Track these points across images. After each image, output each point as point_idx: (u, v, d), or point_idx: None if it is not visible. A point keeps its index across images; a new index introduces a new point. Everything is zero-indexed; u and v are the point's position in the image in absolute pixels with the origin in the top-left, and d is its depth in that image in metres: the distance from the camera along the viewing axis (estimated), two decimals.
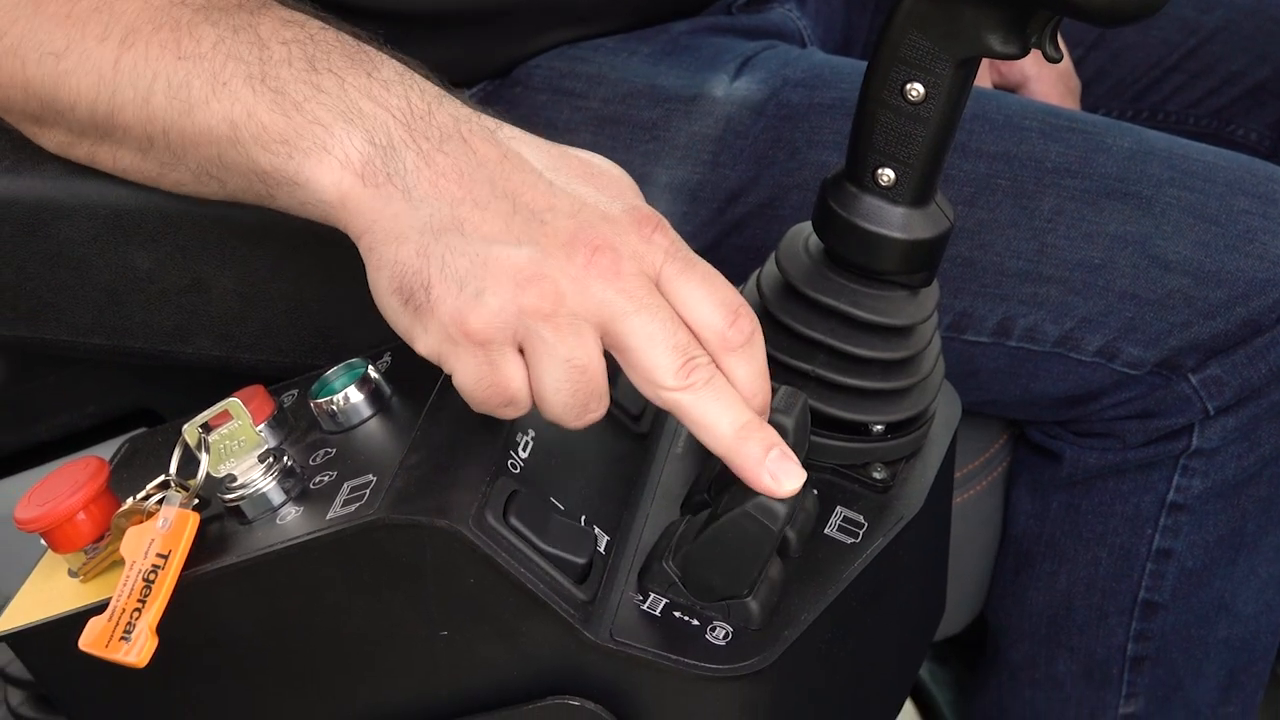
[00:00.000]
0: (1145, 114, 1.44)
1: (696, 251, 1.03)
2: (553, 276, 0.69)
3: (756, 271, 0.85)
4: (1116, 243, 1.05)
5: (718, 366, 0.71)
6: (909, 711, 1.73)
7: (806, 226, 0.84)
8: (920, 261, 0.81)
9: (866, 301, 0.81)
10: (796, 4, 1.29)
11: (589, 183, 0.74)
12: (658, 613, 0.73)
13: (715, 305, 0.71)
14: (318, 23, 0.79)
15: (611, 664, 0.72)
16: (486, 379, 0.70)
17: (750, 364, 0.72)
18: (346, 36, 0.79)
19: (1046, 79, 1.36)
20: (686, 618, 0.73)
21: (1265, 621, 1.17)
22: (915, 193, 0.79)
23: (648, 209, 0.73)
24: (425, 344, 0.71)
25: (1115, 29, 1.34)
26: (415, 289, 0.70)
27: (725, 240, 1.12)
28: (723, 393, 0.70)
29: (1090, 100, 1.44)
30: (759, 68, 1.14)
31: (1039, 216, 1.06)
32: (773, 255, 0.84)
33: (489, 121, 0.75)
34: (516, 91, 1.14)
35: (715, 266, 0.97)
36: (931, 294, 0.84)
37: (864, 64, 0.78)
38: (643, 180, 1.11)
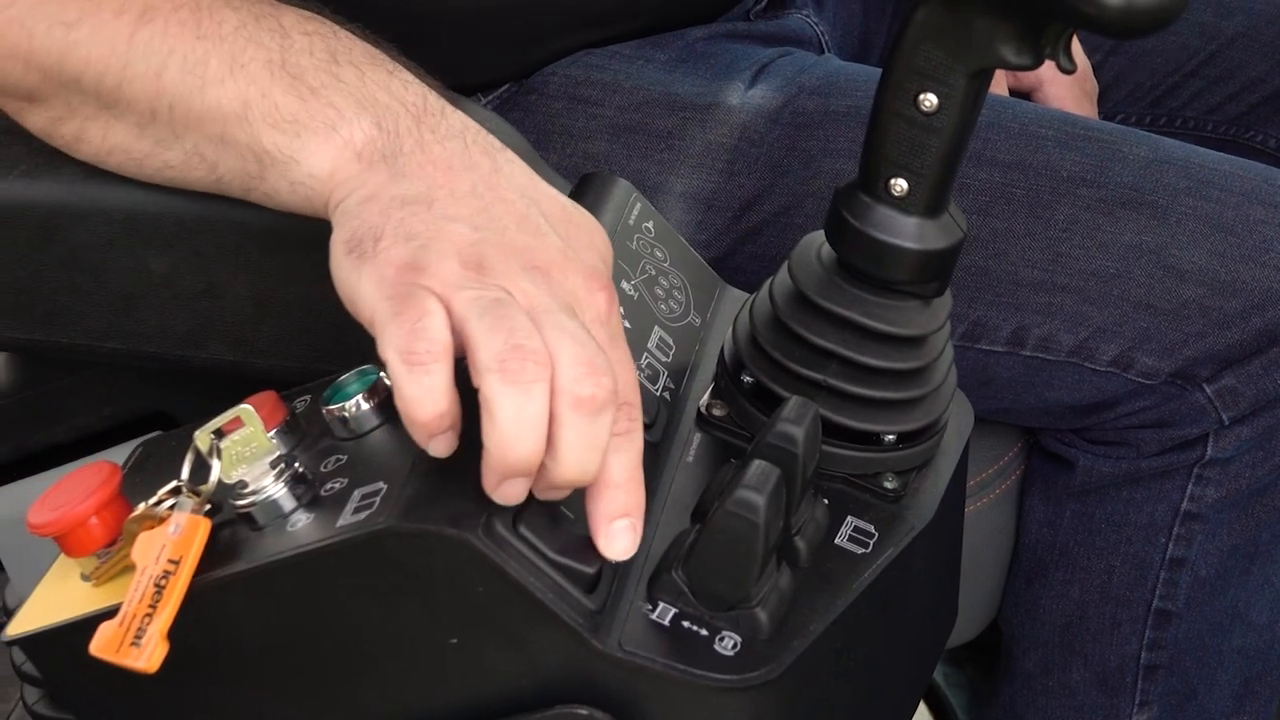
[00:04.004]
0: (1163, 119, 1.44)
1: (711, 260, 1.03)
2: (492, 265, 0.70)
3: (769, 280, 0.85)
4: (1131, 252, 1.05)
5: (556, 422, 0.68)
6: (923, 714, 1.73)
7: (819, 235, 0.84)
8: (933, 272, 0.81)
9: (879, 312, 0.81)
10: (814, 9, 1.29)
11: (564, 226, 0.75)
12: (666, 623, 0.73)
13: (622, 386, 0.70)
14: (335, 22, 0.81)
15: (620, 673, 0.72)
16: (392, 301, 0.68)
17: (622, 454, 0.71)
18: (366, 37, 0.81)
19: (1062, 82, 1.36)
20: (695, 628, 0.73)
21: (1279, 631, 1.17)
22: (928, 203, 0.79)
23: (605, 274, 0.74)
24: (365, 297, 0.69)
25: (1129, 40, 1.34)
26: (365, 239, 0.70)
27: (740, 249, 1.12)
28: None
29: (1108, 105, 1.44)
30: (774, 75, 1.14)
31: (1054, 226, 1.06)
32: (785, 264, 0.84)
33: (496, 141, 0.77)
34: (532, 99, 1.14)
35: (730, 274, 0.98)
36: (944, 304, 0.83)
37: (879, 71, 0.78)
38: (658, 189, 1.12)
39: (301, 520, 0.74)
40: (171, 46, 0.79)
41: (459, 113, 0.77)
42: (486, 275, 0.69)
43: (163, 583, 0.73)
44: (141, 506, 0.77)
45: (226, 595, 0.75)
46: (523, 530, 0.71)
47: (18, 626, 0.81)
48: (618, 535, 0.71)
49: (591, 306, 0.72)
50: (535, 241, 0.72)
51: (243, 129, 0.78)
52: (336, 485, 0.75)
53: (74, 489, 0.79)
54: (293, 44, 0.79)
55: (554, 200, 0.76)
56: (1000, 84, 1.33)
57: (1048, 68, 1.35)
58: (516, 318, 0.67)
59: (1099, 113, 1.42)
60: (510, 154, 0.77)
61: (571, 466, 0.68)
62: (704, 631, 0.73)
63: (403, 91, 0.77)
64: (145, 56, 0.80)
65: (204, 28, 0.79)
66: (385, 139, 0.75)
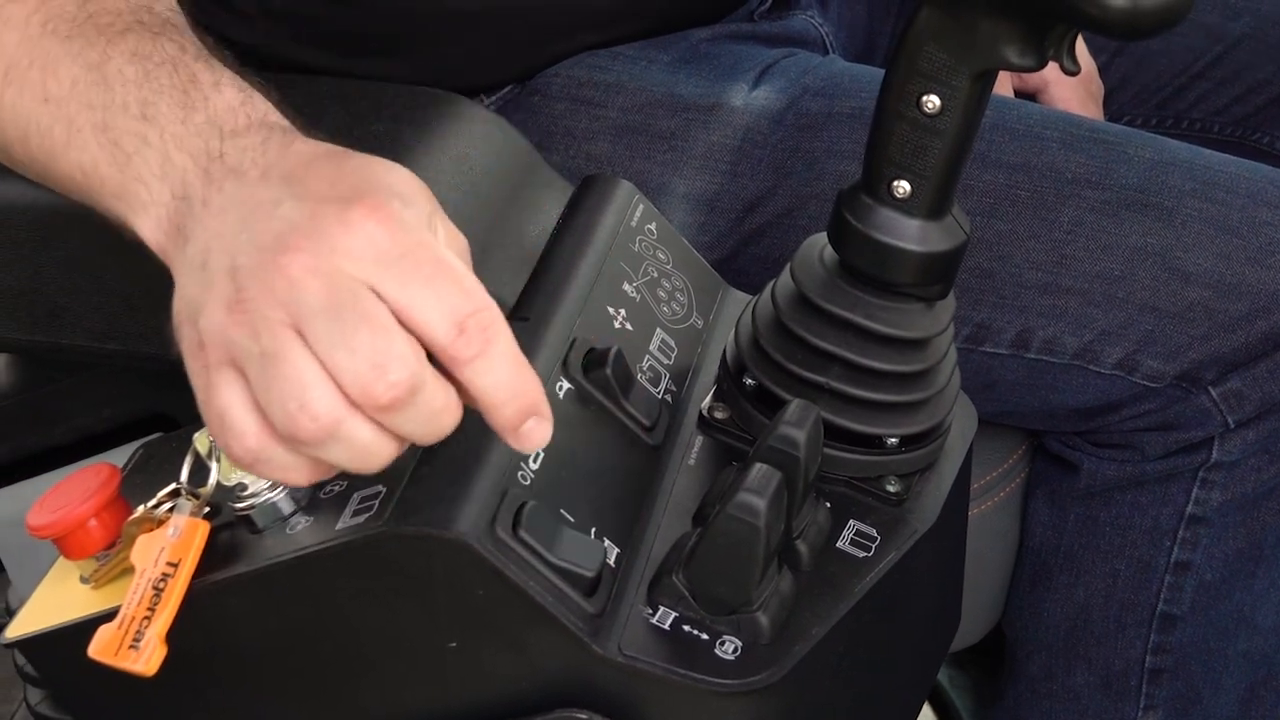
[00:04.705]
0: (1169, 121, 1.44)
1: (714, 262, 1.03)
2: (249, 295, 0.66)
3: (771, 282, 0.85)
4: (1137, 254, 1.04)
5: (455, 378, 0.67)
6: (927, 716, 1.73)
7: (822, 238, 0.83)
8: (936, 274, 0.80)
9: (881, 314, 0.80)
10: (819, 10, 1.28)
11: (331, 184, 0.68)
12: (667, 626, 0.73)
13: (441, 315, 0.66)
14: (163, 53, 0.78)
15: (620, 677, 0.72)
16: (204, 400, 0.68)
17: (486, 376, 0.67)
18: (187, 65, 0.78)
19: (1067, 83, 1.36)
20: (696, 632, 0.73)
21: None
22: (931, 205, 0.79)
23: (371, 199, 0.67)
24: (198, 392, 0.69)
25: (1134, 42, 1.34)
26: (177, 327, 0.70)
27: (743, 250, 1.11)
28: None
29: (1114, 107, 1.43)
30: (778, 76, 1.14)
31: (1058, 228, 1.05)
32: (788, 266, 0.84)
33: (274, 147, 0.72)
34: (535, 100, 1.14)
35: (732, 277, 0.98)
36: (947, 306, 0.83)
37: (883, 73, 0.78)
38: (661, 190, 1.11)
39: (301, 523, 0.74)
40: (28, 113, 0.79)
41: (236, 143, 0.73)
42: (249, 309, 0.65)
43: (161, 585, 0.73)
44: (140, 509, 0.78)
45: (225, 598, 0.75)
46: (522, 534, 0.70)
47: (17, 628, 0.81)
48: (527, 436, 0.69)
49: (362, 249, 0.65)
50: (285, 236, 0.66)
51: (91, 198, 0.78)
52: (336, 488, 0.75)
53: (73, 491, 0.79)
54: (113, 99, 0.77)
55: (327, 163, 0.70)
56: (1005, 85, 1.32)
57: (1053, 69, 1.35)
58: (284, 371, 0.64)
59: (1104, 114, 1.42)
60: (300, 144, 0.72)
61: (427, 438, 0.67)
62: (705, 635, 0.72)
63: (194, 141, 0.74)
64: (13, 122, 0.80)
65: (49, 88, 0.79)
66: (180, 208, 0.72)
